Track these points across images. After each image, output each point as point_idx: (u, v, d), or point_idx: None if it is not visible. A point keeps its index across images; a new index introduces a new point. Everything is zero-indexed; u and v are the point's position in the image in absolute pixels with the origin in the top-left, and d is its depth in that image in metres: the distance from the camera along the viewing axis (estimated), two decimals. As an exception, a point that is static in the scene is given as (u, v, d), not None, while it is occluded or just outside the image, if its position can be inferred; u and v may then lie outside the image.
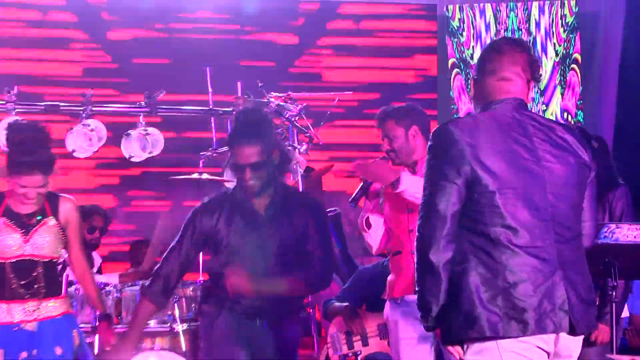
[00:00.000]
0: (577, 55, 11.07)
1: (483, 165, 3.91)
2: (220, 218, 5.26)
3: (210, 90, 8.87)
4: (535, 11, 11.32)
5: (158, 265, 5.37)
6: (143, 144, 8.79)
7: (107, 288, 7.86)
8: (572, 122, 10.62)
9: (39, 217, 5.37)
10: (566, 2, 11.25)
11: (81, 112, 8.58)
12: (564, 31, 11.04)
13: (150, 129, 8.80)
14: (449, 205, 3.89)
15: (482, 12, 11.40)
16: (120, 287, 7.98)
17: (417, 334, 5.50)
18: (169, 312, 7.72)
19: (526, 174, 3.96)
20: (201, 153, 8.71)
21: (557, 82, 10.93)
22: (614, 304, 5.41)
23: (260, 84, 8.52)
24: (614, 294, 5.38)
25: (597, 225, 4.32)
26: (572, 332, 3.90)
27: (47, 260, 5.35)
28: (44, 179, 5.20)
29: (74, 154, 8.62)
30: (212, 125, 8.89)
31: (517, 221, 3.88)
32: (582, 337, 4.02)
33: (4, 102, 8.29)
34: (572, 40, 11.03)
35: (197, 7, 11.67)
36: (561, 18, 11.22)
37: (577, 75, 10.92)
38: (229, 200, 5.33)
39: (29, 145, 5.26)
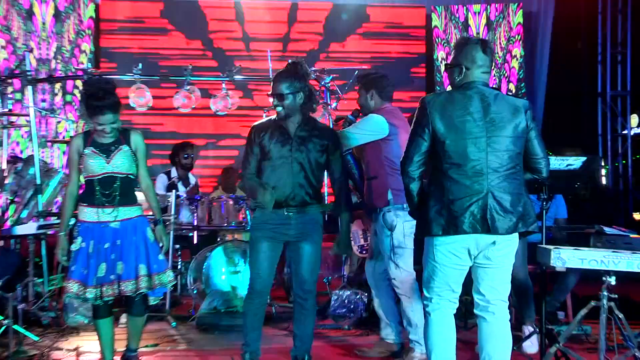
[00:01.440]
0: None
1: (440, 124, 4.33)
2: (265, 135, 5.25)
3: (270, 64, 8.74)
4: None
5: (243, 171, 5.37)
6: (226, 102, 8.92)
7: (203, 199, 8.02)
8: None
9: (115, 145, 5.26)
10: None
11: (184, 80, 8.73)
12: (506, 42, 10.94)
13: (230, 92, 8.85)
14: (417, 151, 4.38)
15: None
16: (212, 199, 8.09)
17: (376, 232, 5.79)
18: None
19: (474, 130, 4.29)
20: (264, 108, 8.82)
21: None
22: (544, 211, 5.61)
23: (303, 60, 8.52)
24: (544, 203, 5.58)
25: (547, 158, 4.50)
26: (495, 232, 4.28)
27: (123, 175, 5.26)
28: (114, 117, 5.16)
29: (179, 109, 8.77)
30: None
31: (459, 161, 4.30)
32: (512, 235, 4.37)
33: (132, 74, 8.36)
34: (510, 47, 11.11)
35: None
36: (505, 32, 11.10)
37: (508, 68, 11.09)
38: (272, 124, 5.30)
39: (100, 94, 5.14)
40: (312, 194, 5.30)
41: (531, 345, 5.90)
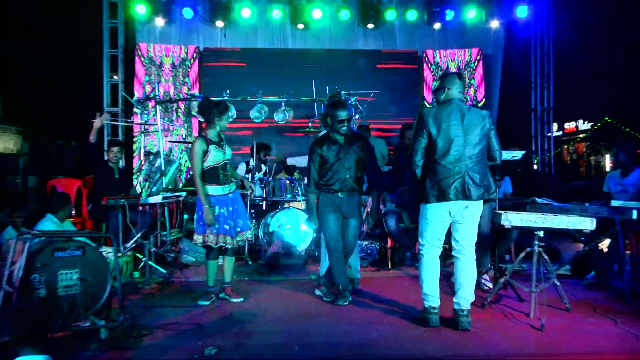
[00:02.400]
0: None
1: (433, 128, 4.38)
2: (323, 146, 5.25)
3: (314, 89, 8.59)
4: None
5: (308, 176, 5.35)
6: (284, 115, 8.82)
7: (269, 179, 7.86)
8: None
9: (222, 142, 5.26)
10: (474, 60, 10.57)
11: (256, 100, 8.66)
12: (469, 81, 10.62)
13: (287, 108, 8.76)
14: (420, 146, 4.43)
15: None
16: (275, 179, 7.87)
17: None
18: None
19: (456, 131, 4.34)
20: (310, 120, 8.70)
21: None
22: (497, 188, 5.61)
23: (337, 88, 8.45)
24: (497, 182, 5.45)
25: (501, 150, 4.51)
26: (471, 199, 4.34)
27: (229, 161, 5.31)
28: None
29: (254, 120, 8.77)
30: (315, 107, 8.73)
31: (445, 152, 4.36)
32: (479, 201, 4.39)
33: (224, 96, 8.26)
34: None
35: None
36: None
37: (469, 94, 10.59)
38: (326, 138, 5.31)
39: (216, 102, 5.29)
40: (357, 183, 5.29)
41: (488, 282, 5.85)
